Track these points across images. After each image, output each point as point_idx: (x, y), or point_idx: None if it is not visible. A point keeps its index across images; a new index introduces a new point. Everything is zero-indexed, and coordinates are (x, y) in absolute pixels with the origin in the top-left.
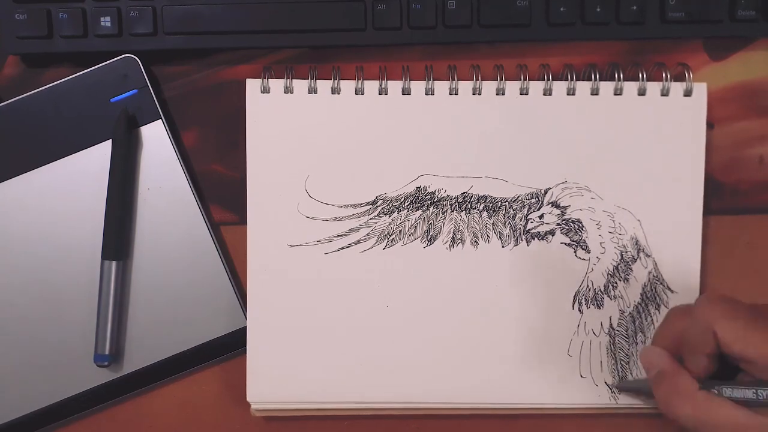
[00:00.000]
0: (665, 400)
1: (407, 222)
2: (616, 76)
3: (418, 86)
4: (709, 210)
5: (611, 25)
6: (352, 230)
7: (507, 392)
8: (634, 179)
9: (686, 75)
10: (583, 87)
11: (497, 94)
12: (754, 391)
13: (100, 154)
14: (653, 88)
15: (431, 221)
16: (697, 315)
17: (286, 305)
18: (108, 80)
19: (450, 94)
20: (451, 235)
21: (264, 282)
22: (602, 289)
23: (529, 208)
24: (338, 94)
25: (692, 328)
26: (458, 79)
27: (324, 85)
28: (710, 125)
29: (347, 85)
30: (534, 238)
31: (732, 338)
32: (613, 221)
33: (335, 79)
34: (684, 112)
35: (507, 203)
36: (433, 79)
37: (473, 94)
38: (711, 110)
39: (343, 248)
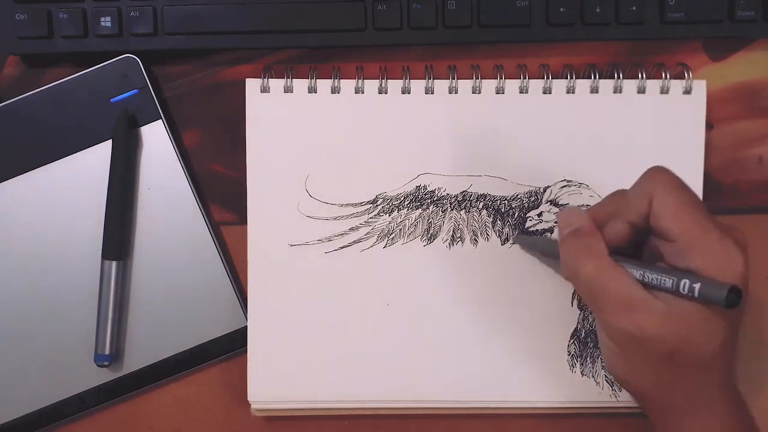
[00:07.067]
0: (571, 255)
1: (407, 221)
2: (616, 75)
3: (417, 85)
4: (708, 210)
5: (611, 25)
6: (352, 229)
7: (507, 391)
8: (633, 177)
9: (686, 74)
10: (583, 85)
11: (497, 93)
12: (642, 272)
13: (100, 154)
14: (653, 86)
15: (431, 220)
16: (641, 180)
17: (287, 305)
18: (108, 80)
19: (450, 93)
20: (450, 233)
21: (264, 282)
22: None
23: (529, 207)
24: (338, 93)
25: (629, 193)
26: (458, 79)
27: (324, 85)
28: (710, 125)
29: (347, 85)
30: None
31: (664, 210)
32: None
33: (335, 78)
34: (684, 109)
35: (506, 201)
36: (433, 78)
37: (473, 92)
38: (711, 110)
39: (343, 247)
